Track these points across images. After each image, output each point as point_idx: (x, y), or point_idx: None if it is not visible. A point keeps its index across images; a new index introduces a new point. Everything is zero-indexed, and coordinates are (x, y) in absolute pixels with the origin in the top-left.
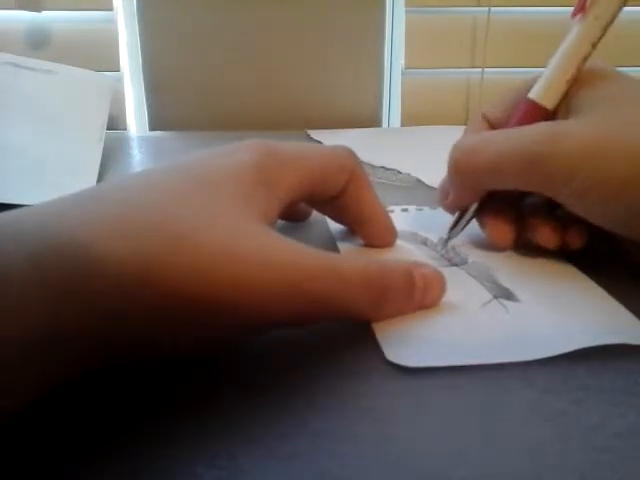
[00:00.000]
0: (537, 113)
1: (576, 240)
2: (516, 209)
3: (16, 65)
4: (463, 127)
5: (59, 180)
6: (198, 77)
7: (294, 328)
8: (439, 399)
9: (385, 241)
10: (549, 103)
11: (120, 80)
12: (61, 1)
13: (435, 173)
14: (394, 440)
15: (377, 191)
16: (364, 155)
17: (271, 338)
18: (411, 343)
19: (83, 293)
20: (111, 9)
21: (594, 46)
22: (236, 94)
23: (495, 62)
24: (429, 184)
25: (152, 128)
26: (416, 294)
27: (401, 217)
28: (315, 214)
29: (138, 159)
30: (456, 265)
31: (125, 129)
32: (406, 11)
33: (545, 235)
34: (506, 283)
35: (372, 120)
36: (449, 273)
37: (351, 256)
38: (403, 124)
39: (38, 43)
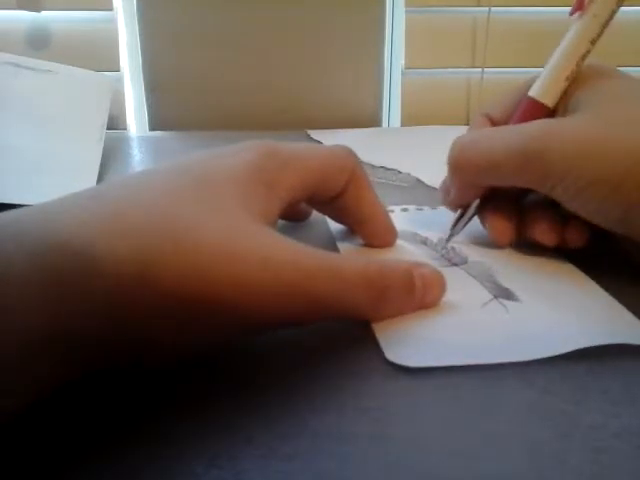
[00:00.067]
0: (537, 111)
1: (576, 238)
2: (517, 206)
3: (16, 65)
4: (463, 127)
5: (59, 180)
6: (198, 77)
7: (294, 328)
8: (439, 399)
9: (385, 241)
10: (549, 101)
11: (120, 80)
12: (61, 1)
13: (435, 173)
14: (394, 440)
15: (377, 191)
16: (364, 155)
17: (271, 338)
18: (411, 343)
19: (83, 293)
20: (111, 9)
21: (593, 43)
22: (236, 94)
23: (495, 62)
24: (429, 184)
25: (152, 128)
26: (416, 294)
27: (401, 217)
28: (315, 214)
29: (138, 159)
30: (456, 265)
31: (125, 129)
32: (406, 11)
33: (544, 232)
34: (506, 283)
35: (372, 120)
36: (449, 273)
37: (351, 256)
38: (403, 124)
39: (38, 43)
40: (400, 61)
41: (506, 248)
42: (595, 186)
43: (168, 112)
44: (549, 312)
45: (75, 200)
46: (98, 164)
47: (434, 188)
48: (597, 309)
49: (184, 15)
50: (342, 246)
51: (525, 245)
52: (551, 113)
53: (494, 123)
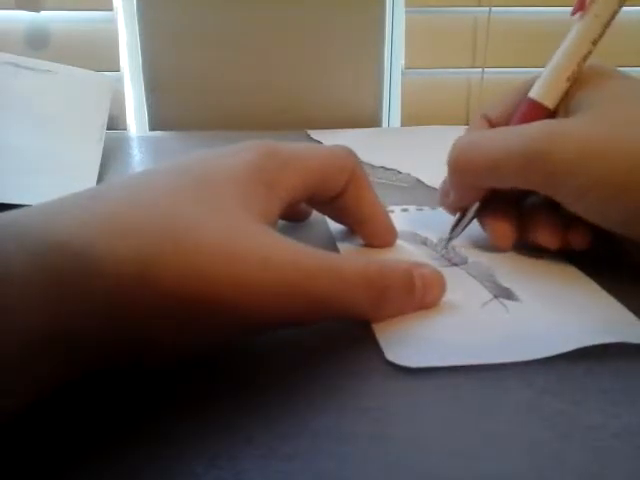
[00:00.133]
0: (538, 112)
1: (580, 241)
2: (517, 209)
3: (16, 65)
4: (463, 127)
5: (59, 180)
6: (198, 77)
7: (294, 328)
8: (439, 399)
9: (385, 241)
10: (550, 102)
11: (120, 80)
12: (61, 1)
13: (435, 173)
14: (394, 440)
15: (377, 191)
16: (364, 155)
17: (271, 338)
18: (411, 343)
19: (83, 293)
20: (111, 9)
21: (594, 44)
22: (236, 94)
23: (496, 62)
24: (429, 184)
25: (152, 128)
26: (416, 294)
27: (401, 217)
28: (315, 214)
29: (138, 159)
30: (456, 265)
31: (125, 129)
32: (406, 11)
33: (547, 236)
34: (506, 283)
35: (372, 120)
36: (449, 273)
37: (351, 256)
38: (403, 124)
39: (38, 43)
40: (400, 61)
41: (508, 254)
42: (598, 187)
43: (168, 112)
44: (549, 312)
45: (75, 200)
46: (98, 164)
47: (434, 188)
48: (597, 309)
49: (184, 15)
50: (342, 246)
51: (525, 245)
52: (552, 114)
53: (492, 124)
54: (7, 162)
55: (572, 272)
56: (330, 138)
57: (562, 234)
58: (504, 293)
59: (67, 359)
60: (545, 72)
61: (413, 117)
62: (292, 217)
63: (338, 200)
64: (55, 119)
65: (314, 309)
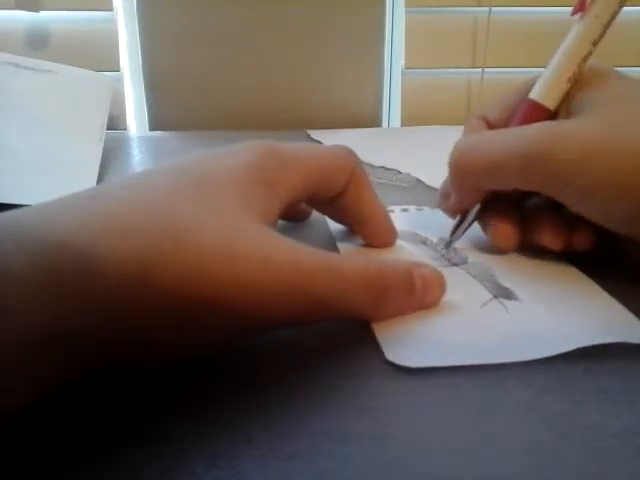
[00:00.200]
0: (538, 113)
1: (583, 242)
2: (519, 211)
3: (16, 65)
4: (463, 127)
5: (59, 180)
6: (198, 77)
7: (294, 328)
8: (439, 399)
9: (385, 241)
10: (550, 103)
11: (120, 80)
12: (61, 1)
13: (435, 173)
14: (394, 440)
15: (377, 191)
16: (364, 155)
17: (271, 338)
18: (411, 343)
19: (83, 293)
20: (111, 9)
21: (595, 45)
22: (236, 94)
23: (495, 62)
24: (429, 184)
25: (152, 128)
26: (416, 294)
27: (401, 217)
28: (315, 214)
29: (138, 159)
30: (456, 265)
31: (125, 129)
32: (406, 11)
33: (550, 237)
34: (506, 283)
35: (372, 120)
36: (449, 273)
37: (351, 256)
38: (403, 124)
39: (37, 43)
40: (400, 61)
41: (508, 254)
42: (601, 188)
43: (168, 112)
44: (549, 312)
45: (75, 200)
46: (98, 164)
47: (434, 188)
48: (597, 309)
49: (184, 15)
50: (342, 246)
51: (528, 247)
52: (552, 115)
53: (491, 125)
54: (7, 162)
55: (572, 272)
56: (330, 138)
57: (565, 235)
58: (504, 293)
59: (67, 359)
60: (545, 73)
61: (413, 117)
62: (292, 217)
63: (338, 200)
64: (55, 119)
65: (314, 309)
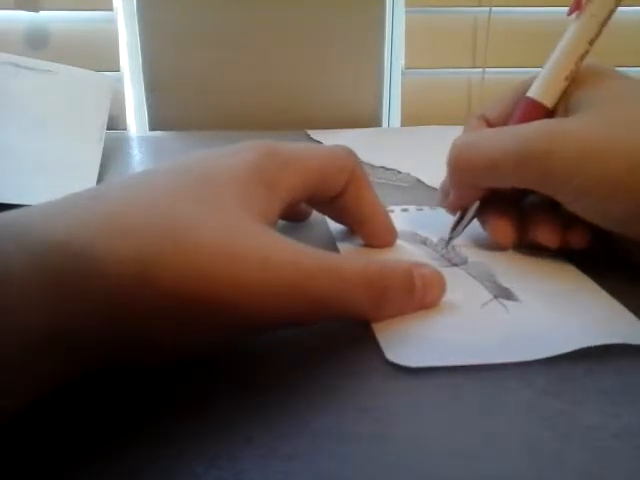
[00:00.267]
0: (536, 111)
1: (579, 240)
2: (518, 208)
3: (16, 65)
4: (463, 127)
5: (59, 180)
6: (198, 77)
7: (294, 328)
8: (439, 399)
9: (385, 241)
10: (548, 101)
11: (120, 80)
12: (61, 1)
13: (435, 173)
14: (394, 440)
15: (377, 191)
16: (364, 155)
17: (271, 338)
18: (411, 343)
19: (83, 293)
20: (111, 9)
21: (591, 43)
22: (236, 94)
23: (496, 62)
24: (429, 184)
25: (152, 128)
26: (416, 294)
27: (401, 217)
28: (315, 214)
29: (138, 159)
30: (456, 265)
31: (125, 129)
32: (406, 11)
33: (547, 234)
34: (506, 283)
35: (372, 120)
36: (449, 273)
37: (351, 256)
38: (403, 124)
39: (38, 43)
40: (400, 61)
41: (505, 251)
42: (598, 187)
43: (168, 112)
44: (549, 312)
45: (75, 200)
46: (98, 164)
47: (434, 188)
48: (597, 309)
49: (184, 15)
50: (342, 246)
51: (525, 245)
52: (550, 113)
53: (491, 124)
54: (7, 162)
55: (572, 272)
56: (330, 138)
57: (562, 233)
58: (504, 293)
59: (67, 359)
60: (543, 72)
61: (413, 117)
62: (292, 217)
63: (338, 200)
64: (55, 119)
65: (314, 309)
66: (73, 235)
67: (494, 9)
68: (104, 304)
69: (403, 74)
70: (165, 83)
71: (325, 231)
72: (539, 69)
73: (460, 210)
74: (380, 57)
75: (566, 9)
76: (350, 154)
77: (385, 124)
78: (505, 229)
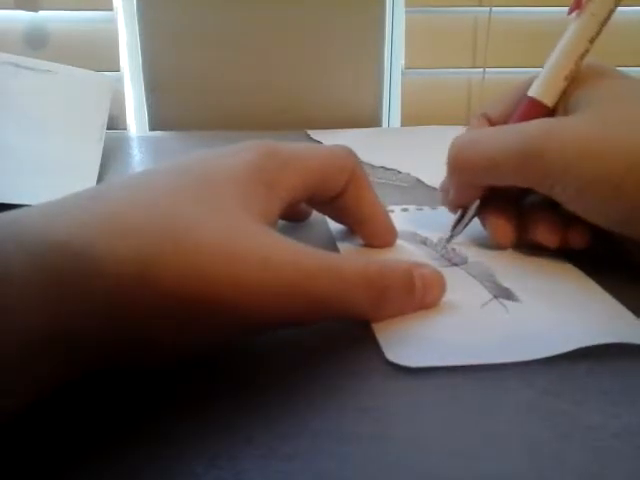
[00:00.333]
0: (537, 110)
1: (579, 240)
2: (518, 207)
3: (16, 65)
4: (463, 127)
5: (59, 180)
6: (198, 77)
7: (294, 328)
8: (439, 399)
9: (385, 241)
10: (548, 100)
11: (120, 80)
12: (61, 1)
13: (435, 173)
14: (394, 440)
15: (377, 191)
16: (364, 155)
17: (271, 338)
18: (411, 343)
19: (83, 293)
20: (111, 9)
21: (592, 42)
22: (236, 94)
23: (496, 62)
24: (429, 184)
25: (152, 128)
26: (416, 294)
27: (401, 217)
28: (315, 214)
29: (138, 159)
30: (456, 265)
31: (125, 129)
32: (406, 11)
33: (546, 234)
34: (506, 283)
35: (372, 120)
36: (449, 273)
37: (351, 256)
38: (403, 124)
39: (37, 43)
40: (400, 61)
41: (505, 251)
42: (595, 186)
43: (168, 112)
44: (549, 312)
45: (75, 200)
46: (98, 164)
47: (434, 188)
48: (597, 309)
49: (184, 15)
50: (342, 246)
51: (525, 245)
52: (550, 112)
53: (492, 123)
54: (7, 162)
55: (572, 272)
56: (330, 138)
57: (561, 232)
58: (504, 293)
59: (67, 359)
60: (543, 71)
61: (413, 117)
62: (292, 217)
63: (338, 200)
64: (55, 119)
65: (314, 309)
66: (73, 235)
67: (494, 9)
68: (104, 304)
69: (403, 74)
70: (165, 83)
71: (325, 231)
72: (539, 69)
73: (460, 209)
74: (380, 57)
75: (566, 9)
76: (350, 154)
77: (385, 124)
78: (505, 228)
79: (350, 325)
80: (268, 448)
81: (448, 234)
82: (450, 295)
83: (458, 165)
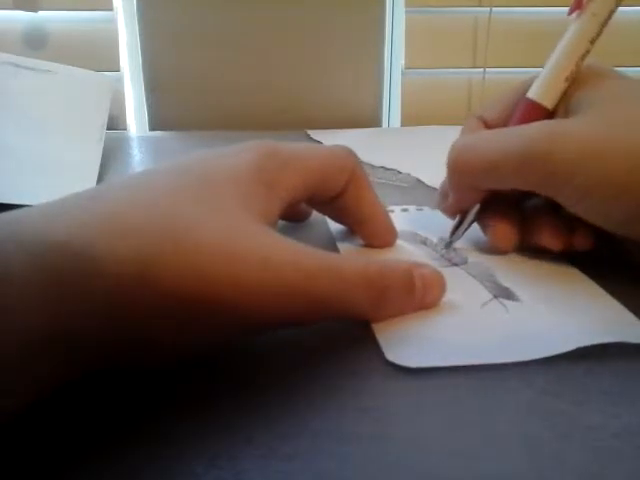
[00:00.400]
0: (536, 112)
1: (582, 242)
2: (518, 211)
3: (16, 65)
4: (462, 128)
5: (59, 180)
6: (198, 77)
7: (294, 328)
8: (439, 399)
9: (385, 241)
10: (548, 102)
11: (120, 80)
12: (61, 1)
13: (435, 173)
14: (394, 440)
15: (377, 191)
16: (364, 155)
17: (271, 338)
18: (411, 343)
19: (83, 293)
20: (111, 9)
21: (592, 43)
22: (236, 94)
23: (496, 62)
24: (429, 184)
25: (152, 128)
26: (416, 294)
27: (401, 217)
28: (315, 214)
29: (138, 159)
30: (456, 265)
31: (125, 129)
32: (406, 11)
33: (549, 237)
34: (506, 283)
35: (372, 120)
36: (449, 273)
37: (351, 256)
38: (403, 124)
39: (37, 43)
40: (400, 61)
41: (508, 254)
42: (599, 188)
43: (168, 112)
44: (549, 312)
45: (75, 201)
46: (98, 164)
47: (434, 188)
48: (597, 309)
49: (184, 15)
50: (342, 246)
51: (528, 248)
52: (550, 114)
53: (489, 125)
54: (7, 162)
55: (572, 272)
56: (330, 138)
57: (565, 236)
58: (504, 293)
59: (67, 359)
60: (543, 72)
61: (413, 117)
62: (292, 217)
63: (338, 200)
64: (55, 119)
65: (314, 309)
66: (73, 235)
67: (494, 9)
68: (104, 304)
69: (403, 74)
70: (165, 83)
71: (325, 231)
72: (539, 69)
73: (460, 213)
74: (380, 57)
75: (566, 9)
76: (350, 154)
77: (385, 124)
78: (505, 232)
79: (350, 325)
80: (268, 448)
81: (448, 236)
82: (450, 295)
83: (458, 168)
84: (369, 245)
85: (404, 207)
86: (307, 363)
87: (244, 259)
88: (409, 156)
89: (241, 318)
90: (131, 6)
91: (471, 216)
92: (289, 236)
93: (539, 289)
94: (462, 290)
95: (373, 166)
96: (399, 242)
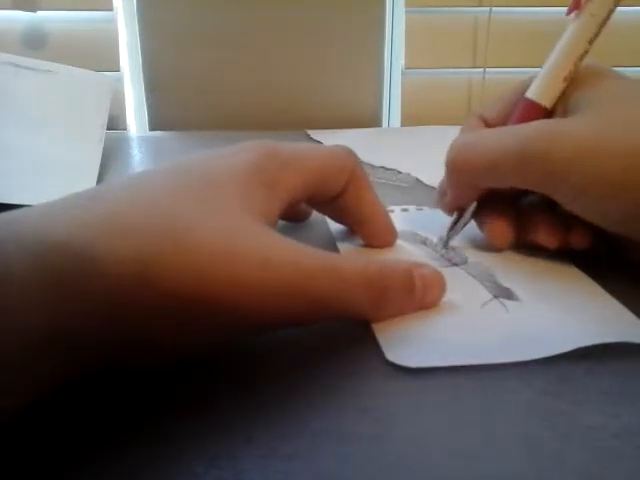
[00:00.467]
0: (535, 112)
1: (580, 241)
2: (515, 209)
3: (16, 65)
4: (461, 127)
5: (59, 180)
6: (198, 77)
7: (294, 328)
8: (439, 399)
9: (385, 241)
10: (547, 102)
11: (120, 80)
12: (61, 1)
13: (435, 173)
14: (394, 440)
15: (377, 191)
16: (364, 155)
17: (271, 338)
18: (411, 343)
19: (83, 293)
20: (111, 9)
21: (591, 43)
22: (236, 94)
23: (496, 62)
24: (429, 184)
25: (152, 128)
26: (416, 294)
27: (401, 217)
28: (315, 214)
29: (138, 159)
30: (456, 265)
31: (125, 129)
32: (406, 11)
33: (545, 235)
34: (506, 283)
35: (372, 120)
36: (449, 273)
37: (351, 256)
38: (403, 124)
39: (36, 43)
40: (400, 61)
41: (504, 251)
42: (596, 186)
43: (168, 112)
44: (549, 312)
45: (75, 201)
46: (98, 164)
47: (434, 188)
48: (597, 309)
49: (184, 15)
50: (342, 246)
51: (525, 245)
52: (549, 114)
53: (489, 124)
54: (7, 162)
55: (572, 272)
56: (330, 138)
57: (561, 233)
58: (504, 293)
59: (67, 359)
60: (542, 72)
61: (413, 117)
62: (292, 217)
63: (338, 200)
64: (55, 119)
65: (314, 309)
66: (73, 235)
67: (494, 9)
68: (104, 304)
69: (403, 74)
70: (165, 83)
71: (325, 231)
72: (539, 69)
73: (457, 211)
74: (380, 57)
75: (566, 9)
76: (350, 154)
77: (385, 124)
78: (502, 229)
79: (350, 325)
80: (268, 448)
81: (445, 236)
82: (450, 295)
83: (457, 166)
84: (369, 245)
85: (404, 207)
86: (307, 363)
87: (244, 259)
88: (409, 156)
89: (241, 318)
90: (131, 6)
91: (468, 214)
92: (289, 236)
93: (539, 289)
94: (462, 290)
95: (373, 166)
96: (399, 242)
